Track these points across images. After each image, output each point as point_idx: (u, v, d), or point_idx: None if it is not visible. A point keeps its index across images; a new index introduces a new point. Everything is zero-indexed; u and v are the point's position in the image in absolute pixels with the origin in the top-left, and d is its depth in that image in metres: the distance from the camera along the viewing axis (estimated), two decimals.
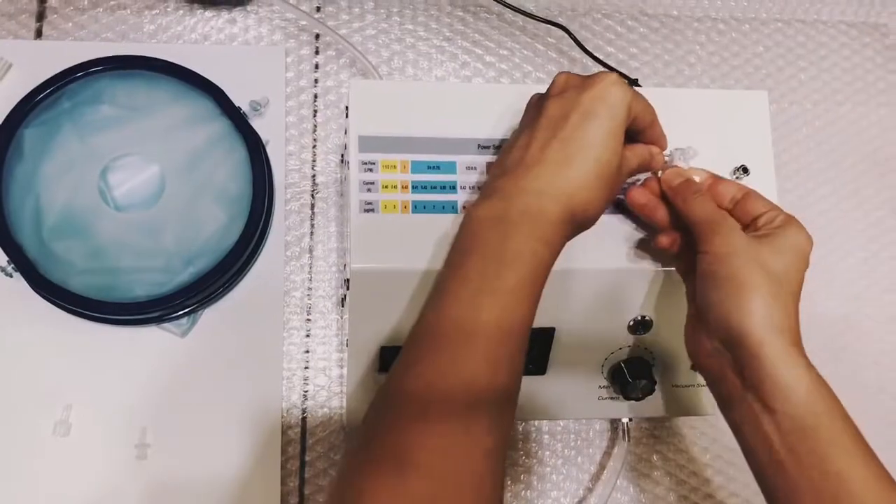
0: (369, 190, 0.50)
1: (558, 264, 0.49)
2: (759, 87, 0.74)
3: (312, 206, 0.66)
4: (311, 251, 0.65)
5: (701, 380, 0.58)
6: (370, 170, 0.51)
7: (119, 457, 0.60)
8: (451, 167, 0.51)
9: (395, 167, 0.51)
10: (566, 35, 0.69)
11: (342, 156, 0.66)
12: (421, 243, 0.50)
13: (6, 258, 0.58)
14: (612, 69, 0.69)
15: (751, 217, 0.49)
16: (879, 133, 0.75)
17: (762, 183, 0.54)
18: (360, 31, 0.69)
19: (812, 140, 0.74)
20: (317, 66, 0.68)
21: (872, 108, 0.75)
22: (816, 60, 0.75)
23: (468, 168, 0.51)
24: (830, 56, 0.76)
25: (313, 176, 0.66)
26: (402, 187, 0.51)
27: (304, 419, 0.62)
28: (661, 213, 0.50)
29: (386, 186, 0.50)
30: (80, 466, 0.59)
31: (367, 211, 0.50)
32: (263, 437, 0.61)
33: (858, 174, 0.74)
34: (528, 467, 0.64)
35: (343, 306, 0.62)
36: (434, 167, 0.51)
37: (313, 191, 0.66)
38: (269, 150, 0.64)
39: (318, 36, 0.68)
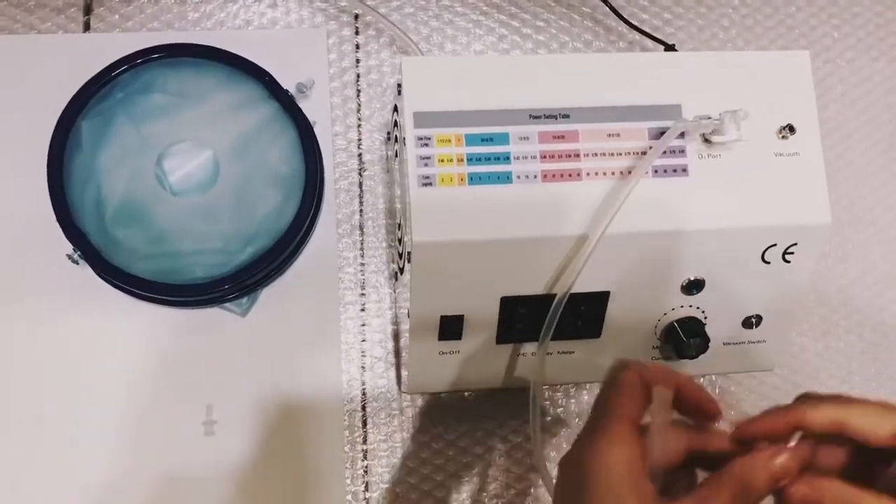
0: (426, 164, 0.52)
1: (613, 228, 0.51)
2: (794, 46, 0.74)
3: (360, 184, 0.67)
4: (361, 228, 0.67)
5: (751, 336, 0.59)
6: (426, 145, 0.52)
7: (187, 434, 0.62)
8: (503, 138, 0.53)
9: (449, 141, 0.52)
10: (601, 4, 0.70)
11: (388, 133, 0.67)
12: (478, 214, 0.51)
13: (72, 247, 0.60)
14: (647, 35, 0.70)
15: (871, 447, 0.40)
16: None
17: (808, 141, 0.55)
18: (399, 9, 0.70)
19: (847, 97, 0.74)
20: (358, 47, 0.69)
21: None
22: (849, 18, 0.76)
23: (521, 138, 0.53)
24: (863, 13, 0.76)
25: (360, 154, 0.68)
26: (458, 160, 0.52)
27: (363, 390, 0.64)
28: None
29: (442, 160, 0.52)
30: (149, 444, 0.62)
31: (425, 185, 0.51)
32: (326, 408, 0.63)
33: (895, 129, 0.74)
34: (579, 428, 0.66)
35: (396, 280, 0.64)
36: (487, 139, 0.52)
37: (361, 169, 0.67)
38: (316, 130, 0.66)
39: (357, 16, 0.70)
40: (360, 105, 0.68)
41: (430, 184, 0.51)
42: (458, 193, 0.52)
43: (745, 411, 0.68)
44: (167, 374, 0.63)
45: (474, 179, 0.52)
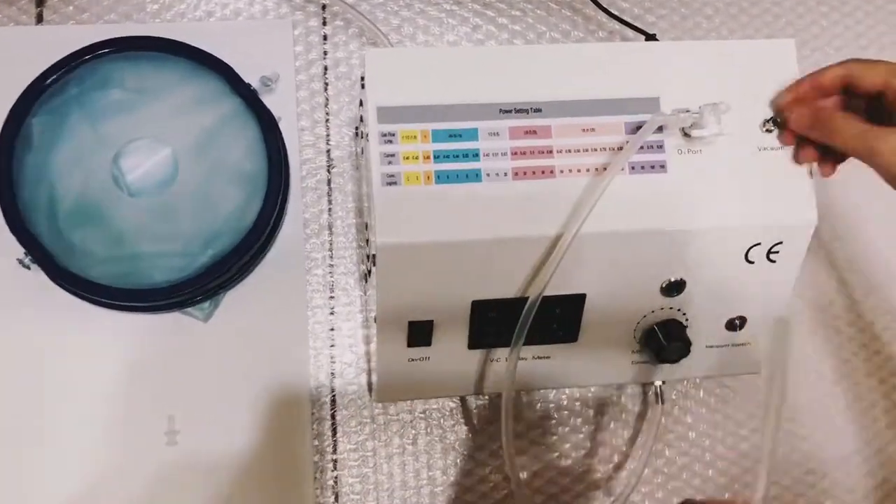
0: (390, 162, 0.49)
1: (588, 228, 0.48)
2: (780, 35, 0.72)
3: (329, 181, 0.64)
4: (330, 227, 0.64)
5: (736, 339, 0.57)
6: (390, 141, 0.49)
7: (149, 444, 0.59)
8: (472, 134, 0.50)
9: (415, 137, 0.49)
10: None
11: (356, 129, 0.64)
12: (446, 214, 0.49)
13: (24, 251, 0.57)
14: (628, 24, 0.67)
15: (871, 93, 0.49)
16: None
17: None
18: None
19: None
20: (325, 38, 0.66)
21: None
22: (838, 5, 0.73)
23: (490, 134, 0.50)
24: (852, 0, 0.73)
25: (328, 151, 0.65)
26: (424, 158, 0.49)
27: (332, 397, 0.62)
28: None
29: (407, 158, 0.49)
30: (110, 456, 0.59)
31: (389, 184, 0.49)
32: (293, 417, 0.61)
33: None
34: (562, 436, 0.63)
35: (366, 282, 0.61)
36: (455, 135, 0.50)
37: (329, 166, 0.65)
38: (281, 126, 0.63)
39: (324, 6, 0.67)
40: (327, 99, 0.65)
41: (395, 182, 0.49)
42: (425, 192, 0.49)
43: (729, 414, 0.65)
44: (127, 383, 0.60)
45: (441, 178, 0.49)
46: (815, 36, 0.72)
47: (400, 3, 0.67)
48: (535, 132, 0.50)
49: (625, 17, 0.68)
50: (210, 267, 0.58)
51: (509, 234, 0.49)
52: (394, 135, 0.49)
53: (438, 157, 0.49)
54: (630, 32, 0.67)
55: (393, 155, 0.49)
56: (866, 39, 0.73)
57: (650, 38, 0.66)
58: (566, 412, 0.64)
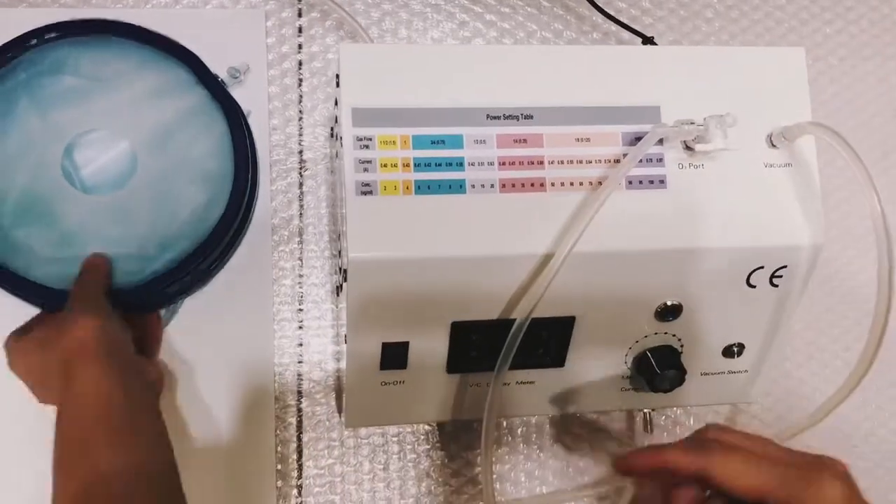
0: (366, 169, 0.44)
1: (581, 247, 0.44)
2: (781, 42, 0.68)
3: (301, 184, 0.60)
4: (300, 234, 0.59)
5: (732, 366, 0.53)
6: (366, 146, 0.45)
7: None
8: (457, 141, 0.46)
9: (394, 143, 0.45)
10: None
11: (332, 129, 0.60)
12: (426, 228, 0.44)
13: None
14: (624, 26, 0.63)
15: None
16: None
17: (802, 151, 0.49)
18: None
19: (840, 98, 0.68)
20: (300, 30, 0.62)
21: None
22: (842, 12, 0.70)
23: (476, 141, 0.46)
24: (857, 7, 0.70)
25: (300, 151, 0.60)
26: (403, 165, 0.45)
27: (299, 418, 0.57)
28: None
29: (385, 165, 0.45)
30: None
31: (364, 193, 0.44)
32: (255, 438, 0.56)
33: (889, 134, 0.68)
34: (541, 461, 0.59)
35: (338, 295, 0.57)
36: (438, 142, 0.45)
37: (301, 168, 0.60)
38: (250, 122, 0.58)
39: None
40: (301, 96, 0.61)
41: (371, 192, 0.44)
42: (403, 203, 0.44)
43: None
44: None
45: (422, 188, 0.45)
46: (817, 44, 0.69)
47: None
48: (525, 141, 0.46)
49: (621, 18, 0.64)
50: (166, 272, 0.54)
51: (495, 251, 0.45)
52: (370, 139, 0.45)
53: (419, 165, 0.45)
54: (626, 34, 0.64)
55: (369, 161, 0.45)
56: (871, 49, 0.69)
57: (647, 40, 0.62)
58: (548, 439, 0.60)
